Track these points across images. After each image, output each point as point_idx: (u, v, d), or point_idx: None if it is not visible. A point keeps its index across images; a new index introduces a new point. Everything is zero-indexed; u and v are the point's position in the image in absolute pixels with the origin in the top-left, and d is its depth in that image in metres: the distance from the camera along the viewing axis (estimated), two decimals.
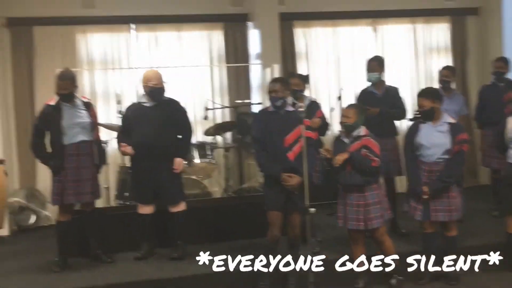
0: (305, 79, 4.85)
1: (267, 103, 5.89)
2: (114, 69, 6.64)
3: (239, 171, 6.24)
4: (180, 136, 4.57)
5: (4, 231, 5.85)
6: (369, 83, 4.95)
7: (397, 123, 5.11)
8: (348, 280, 4.10)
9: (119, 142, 4.48)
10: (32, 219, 6.29)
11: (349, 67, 7.02)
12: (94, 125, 4.42)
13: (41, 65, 6.48)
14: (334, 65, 7.07)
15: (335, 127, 6.43)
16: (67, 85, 4.23)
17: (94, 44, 6.64)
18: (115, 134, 5.65)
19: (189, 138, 4.65)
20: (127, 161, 5.18)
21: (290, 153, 3.78)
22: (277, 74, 6.21)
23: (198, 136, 6.72)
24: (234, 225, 4.93)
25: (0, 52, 6.23)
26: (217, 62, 6.90)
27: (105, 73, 6.65)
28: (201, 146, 5.88)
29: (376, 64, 4.89)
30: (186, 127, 4.58)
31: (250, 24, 6.89)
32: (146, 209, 4.48)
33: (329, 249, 4.46)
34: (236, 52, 6.81)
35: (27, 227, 6.22)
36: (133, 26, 6.71)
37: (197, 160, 5.78)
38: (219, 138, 6.23)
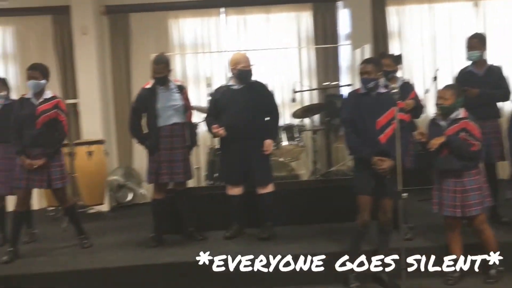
0: (397, 59, 4.64)
1: (357, 85, 5.74)
2: (204, 52, 6.79)
3: (327, 154, 6.15)
4: (267, 118, 4.58)
5: (105, 207, 6.27)
6: (469, 63, 4.63)
7: (499, 104, 4.76)
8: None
9: (208, 124, 4.58)
10: (129, 196, 6.67)
11: (446, 45, 6.63)
12: (186, 108, 4.55)
13: (137, 50, 6.79)
14: (429, 44, 6.72)
15: (430, 109, 6.16)
16: (162, 69, 4.39)
17: (186, 28, 6.83)
18: (204, 116, 5.81)
19: (277, 119, 4.65)
20: (217, 143, 5.30)
21: (382, 136, 3.66)
22: (367, 55, 6.03)
23: (286, 118, 6.73)
24: (321, 209, 4.88)
25: (99, 39, 6.60)
26: (305, 43, 6.82)
27: (195, 57, 6.82)
28: (289, 129, 5.85)
29: (477, 42, 4.57)
30: (273, 109, 4.59)
31: (340, 3, 6.71)
32: (235, 191, 4.55)
33: (422, 236, 4.29)
34: (325, 33, 6.68)
35: (124, 204, 6.61)
36: (222, 10, 6.80)
37: (284, 143, 5.77)
38: (307, 121, 6.18)
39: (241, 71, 4.44)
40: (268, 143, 4.46)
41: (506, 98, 4.65)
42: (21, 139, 4.32)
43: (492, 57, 6.42)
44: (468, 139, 3.66)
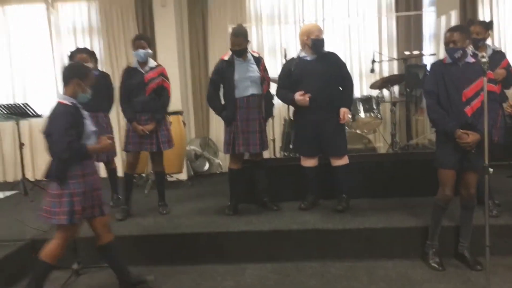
0: (487, 25, 4.32)
1: (442, 55, 5.45)
2: (280, 23, 6.72)
3: (406, 127, 5.94)
4: (341, 88, 4.48)
5: (183, 176, 6.48)
6: None
7: None
8: None
9: (284, 96, 4.53)
10: (206, 166, 6.86)
11: None
12: (263, 79, 4.55)
13: (214, 22, 6.86)
14: None
15: None
16: (240, 41, 4.40)
17: (263, 0, 6.77)
18: None
19: (351, 89, 4.53)
20: (291, 115, 5.27)
21: (468, 108, 3.46)
22: (454, 22, 5.70)
23: (364, 89, 6.56)
24: (399, 182, 4.74)
25: (178, 11, 6.72)
26: (386, 11, 6.54)
27: (272, 28, 6.77)
28: (367, 100, 5.70)
29: None
30: (347, 79, 4.49)
31: None
32: (310, 162, 4.53)
33: (508, 213, 4.06)
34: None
35: (201, 173, 6.81)
36: None
37: (362, 115, 5.64)
38: (385, 92, 5.98)
39: (315, 41, 4.35)
40: (344, 111, 4.38)
41: None
42: (131, 107, 4.63)
43: None
44: None
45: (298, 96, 4.35)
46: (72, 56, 4.84)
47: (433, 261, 3.69)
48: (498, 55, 4.23)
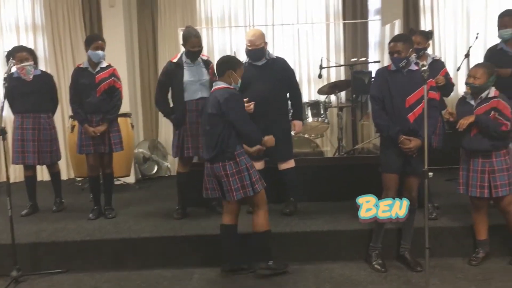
0: (427, 35, 4.51)
1: (386, 62, 5.63)
2: (231, 27, 6.74)
3: (353, 131, 6.10)
4: (288, 95, 4.53)
5: (131, 179, 6.37)
6: (500, 41, 4.49)
7: None
8: (468, 247, 3.90)
9: None
10: (155, 169, 6.77)
11: (480, 22, 6.42)
12: (212, 82, 4.55)
13: (164, 24, 6.79)
14: (462, 20, 6.52)
15: (460, 88, 6.03)
16: (200, 42, 4.40)
17: (213, 2, 6.78)
18: None
19: (300, 99, 4.61)
20: None
21: (411, 115, 3.60)
22: (398, 30, 5.90)
23: (311, 94, 6.68)
24: (346, 186, 4.85)
25: (127, 12, 6.61)
26: (333, 18, 6.70)
27: (222, 31, 6.78)
28: (315, 105, 5.81)
29: (508, 19, 4.41)
30: (293, 86, 4.55)
31: None
32: (256, 165, 4.55)
33: (446, 216, 4.24)
34: (354, 8, 6.56)
35: (150, 177, 6.72)
36: None
37: (310, 119, 5.75)
38: (333, 97, 6.12)
39: (246, 51, 4.41)
40: (298, 124, 4.51)
41: None
42: (82, 108, 4.53)
43: None
44: (498, 118, 3.58)
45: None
46: (10, 54, 4.66)
47: (376, 263, 3.81)
48: (437, 64, 4.42)
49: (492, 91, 3.67)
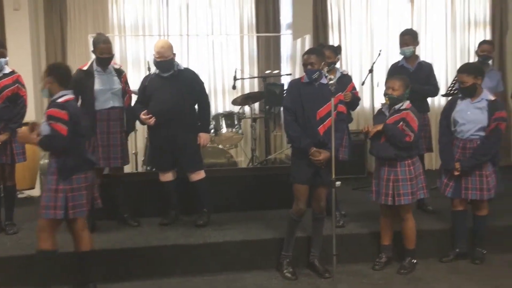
0: (336, 50, 4.74)
1: (298, 74, 5.82)
2: (145, 35, 6.64)
3: (266, 142, 6.22)
4: (196, 107, 4.55)
5: (36, 192, 6.03)
6: (402, 57, 4.83)
7: (429, 99, 5.02)
8: (372, 253, 4.11)
9: (136, 111, 4.49)
10: None
11: (383, 39, 6.85)
12: (125, 92, 4.46)
13: (73, 29, 6.54)
14: (367, 37, 6.92)
15: (365, 102, 6.39)
16: (110, 49, 4.29)
17: (126, 9, 6.64)
18: None
19: (207, 110, 4.59)
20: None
21: (321, 127, 3.71)
22: (308, 45, 6.12)
23: (226, 105, 6.74)
24: (259, 196, 4.95)
25: (33, 15, 6.29)
26: (247, 31, 6.83)
27: (136, 40, 6.66)
28: (229, 116, 5.87)
29: (409, 38, 4.76)
30: (201, 99, 4.52)
31: None
32: (166, 177, 4.53)
33: (353, 223, 4.45)
34: (267, 21, 6.71)
35: None
36: None
37: (224, 130, 5.79)
38: (246, 108, 6.22)
39: (154, 63, 4.39)
40: (204, 137, 4.46)
41: (434, 94, 4.93)
42: None
43: (424, 52, 6.79)
44: (404, 129, 3.81)
45: (142, 115, 4.36)
46: None
47: (287, 271, 3.90)
48: (345, 78, 4.64)
49: (406, 103, 3.90)
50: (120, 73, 4.45)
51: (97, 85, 4.29)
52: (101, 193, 4.43)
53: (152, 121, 4.32)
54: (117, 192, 4.57)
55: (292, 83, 3.94)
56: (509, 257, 4.21)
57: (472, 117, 3.93)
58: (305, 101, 3.74)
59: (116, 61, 4.73)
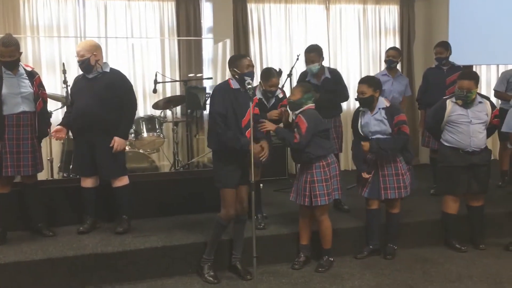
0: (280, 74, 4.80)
1: (219, 79, 5.86)
2: (60, 37, 6.38)
3: (188, 146, 6.20)
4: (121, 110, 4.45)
5: None
6: (309, 74, 4.95)
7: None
8: (292, 253, 4.22)
9: (63, 118, 4.38)
10: None
11: (301, 44, 7.05)
12: (38, 96, 4.26)
13: None
14: (286, 42, 7.09)
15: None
16: (12, 52, 4.05)
17: (39, 9, 6.34)
18: (59, 104, 5.48)
19: (131, 115, 4.46)
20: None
21: (248, 131, 3.75)
22: (229, 49, 6.19)
23: (147, 109, 6.63)
24: (182, 200, 4.91)
25: None
26: (168, 34, 6.76)
27: (51, 41, 6.38)
28: (150, 120, 5.79)
29: (314, 56, 4.86)
30: (125, 102, 4.36)
31: None
32: (87, 182, 4.40)
33: (274, 225, 4.54)
34: (188, 25, 6.67)
35: None
36: None
37: (145, 134, 5.71)
38: (168, 112, 6.16)
39: (79, 62, 4.28)
40: (118, 141, 4.28)
41: (344, 100, 5.16)
42: None
43: (338, 58, 7.08)
44: (295, 132, 3.97)
45: (53, 131, 4.36)
46: None
47: (208, 275, 3.90)
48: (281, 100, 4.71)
49: (305, 107, 4.01)
50: (32, 76, 4.25)
51: (5, 89, 4.07)
52: (13, 202, 4.25)
53: (61, 136, 4.36)
54: (30, 200, 4.36)
55: (221, 89, 3.87)
56: (417, 251, 4.48)
57: (377, 128, 4.19)
58: (237, 107, 3.77)
59: (29, 63, 4.52)
